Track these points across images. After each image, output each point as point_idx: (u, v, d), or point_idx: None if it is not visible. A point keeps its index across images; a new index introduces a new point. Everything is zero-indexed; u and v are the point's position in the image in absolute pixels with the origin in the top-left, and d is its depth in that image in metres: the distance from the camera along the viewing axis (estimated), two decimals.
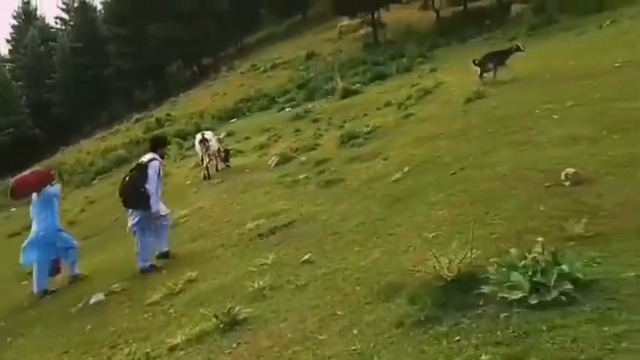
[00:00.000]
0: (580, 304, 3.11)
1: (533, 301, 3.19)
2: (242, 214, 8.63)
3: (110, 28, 48.17)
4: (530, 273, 3.31)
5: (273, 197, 9.05)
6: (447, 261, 3.72)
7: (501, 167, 6.15)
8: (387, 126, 11.64)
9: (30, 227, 8.40)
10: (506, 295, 3.30)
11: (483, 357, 2.88)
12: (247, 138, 18.07)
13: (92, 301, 6.81)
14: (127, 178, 7.50)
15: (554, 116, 7.81)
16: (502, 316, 3.19)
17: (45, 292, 7.96)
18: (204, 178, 13.08)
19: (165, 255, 7.65)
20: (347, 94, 19.05)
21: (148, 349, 4.72)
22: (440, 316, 3.42)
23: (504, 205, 5.02)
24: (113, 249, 9.65)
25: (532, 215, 4.61)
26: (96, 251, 9.40)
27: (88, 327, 5.97)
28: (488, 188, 5.62)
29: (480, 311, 3.33)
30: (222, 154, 13.46)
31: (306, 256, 5.57)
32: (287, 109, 21.56)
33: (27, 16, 61.45)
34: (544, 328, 2.97)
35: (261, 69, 34.60)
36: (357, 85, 20.42)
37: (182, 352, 4.42)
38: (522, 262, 3.43)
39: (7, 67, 55.14)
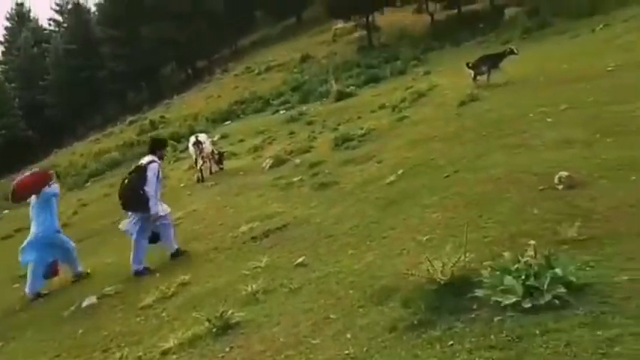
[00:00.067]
0: (573, 307, 3.11)
1: (527, 305, 3.18)
2: (236, 216, 8.61)
3: (104, 29, 47.91)
4: (523, 277, 3.31)
5: (267, 200, 9.03)
6: (441, 264, 3.72)
7: (495, 170, 6.16)
8: (381, 129, 11.64)
9: (26, 229, 8.35)
10: (499, 299, 3.29)
11: None
12: (241, 140, 18.06)
13: (85, 304, 6.76)
14: (126, 181, 7.48)
15: (548, 119, 7.84)
16: (495, 320, 3.19)
17: (38, 295, 7.91)
18: (198, 180, 13.06)
19: (177, 254, 7.54)
20: (341, 96, 19.07)
21: (140, 353, 4.70)
22: (433, 320, 3.42)
23: (498, 208, 5.02)
24: (106, 252, 9.59)
25: (525, 219, 4.61)
26: (89, 254, 9.33)
27: (80, 331, 5.92)
28: (482, 191, 5.62)
29: (473, 315, 3.32)
30: (216, 157, 13.45)
31: (300, 259, 5.55)
32: (281, 112, 21.54)
33: (20, 18, 61.19)
34: (537, 332, 2.97)
35: (256, 71, 34.58)
36: (352, 87, 20.42)
37: (174, 356, 4.39)
38: (516, 266, 3.43)
39: None
